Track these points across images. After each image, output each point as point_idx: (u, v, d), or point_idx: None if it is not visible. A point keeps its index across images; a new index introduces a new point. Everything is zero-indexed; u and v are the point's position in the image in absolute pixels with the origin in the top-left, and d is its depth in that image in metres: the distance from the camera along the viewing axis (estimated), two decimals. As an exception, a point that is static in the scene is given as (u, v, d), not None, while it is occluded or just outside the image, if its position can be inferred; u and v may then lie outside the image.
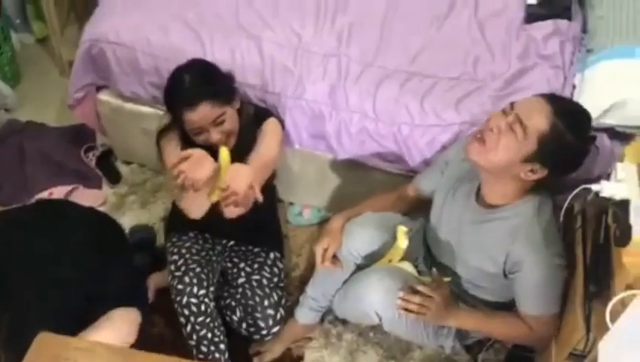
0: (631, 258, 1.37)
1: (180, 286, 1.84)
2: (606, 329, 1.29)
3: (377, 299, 1.73)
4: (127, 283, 1.81)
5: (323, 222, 2.33)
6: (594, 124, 1.80)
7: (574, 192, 1.58)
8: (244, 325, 1.95)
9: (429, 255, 1.91)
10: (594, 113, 1.77)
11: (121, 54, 2.12)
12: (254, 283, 1.94)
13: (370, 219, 1.84)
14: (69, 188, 2.40)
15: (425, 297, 1.64)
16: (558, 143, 1.50)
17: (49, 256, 1.69)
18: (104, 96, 2.29)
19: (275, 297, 1.93)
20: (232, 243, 2.08)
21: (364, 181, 2.17)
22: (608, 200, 1.49)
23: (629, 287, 1.34)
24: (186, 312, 1.83)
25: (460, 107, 1.96)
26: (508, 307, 1.76)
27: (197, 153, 1.66)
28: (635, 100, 1.74)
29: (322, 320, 2.07)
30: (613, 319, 1.27)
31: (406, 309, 1.66)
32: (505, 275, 1.67)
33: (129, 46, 2.11)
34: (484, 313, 1.77)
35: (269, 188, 2.02)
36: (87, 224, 1.85)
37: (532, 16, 2.15)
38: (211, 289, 1.88)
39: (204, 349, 1.86)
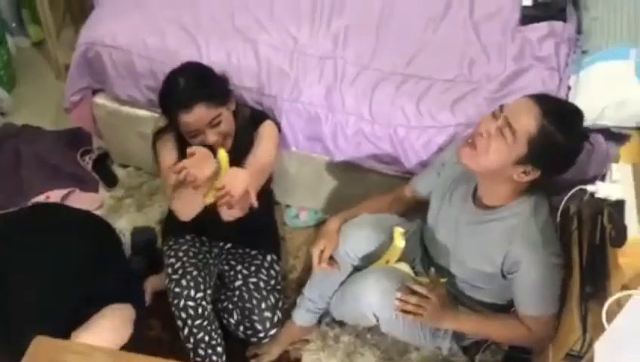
0: (627, 258, 1.37)
1: (177, 290, 1.84)
2: (602, 329, 1.29)
3: (374, 300, 1.73)
4: (122, 283, 1.82)
5: (320, 224, 2.34)
6: (589, 125, 1.81)
7: (570, 193, 1.59)
8: (241, 328, 1.95)
9: (426, 256, 1.91)
10: (589, 114, 1.78)
11: (117, 57, 2.12)
12: (251, 286, 1.94)
13: (366, 220, 1.84)
14: (65, 191, 2.40)
15: (422, 298, 1.64)
16: (547, 144, 1.51)
17: (45, 258, 1.70)
18: (100, 99, 2.29)
19: (272, 300, 1.93)
20: (228, 245, 2.08)
21: (360, 183, 2.17)
22: (604, 201, 1.50)
23: (624, 288, 1.35)
24: (183, 315, 1.83)
25: (455, 109, 1.96)
26: (505, 309, 1.76)
27: (201, 151, 1.67)
28: (630, 101, 1.74)
29: (319, 322, 2.07)
30: (610, 319, 1.27)
31: (404, 311, 1.66)
32: (503, 276, 1.68)
33: (125, 49, 2.11)
34: (481, 315, 1.77)
35: (265, 191, 2.02)
36: (81, 226, 1.86)
37: (527, 17, 2.15)
38: (208, 292, 1.88)
39: (201, 352, 1.86)
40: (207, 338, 1.85)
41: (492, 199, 1.67)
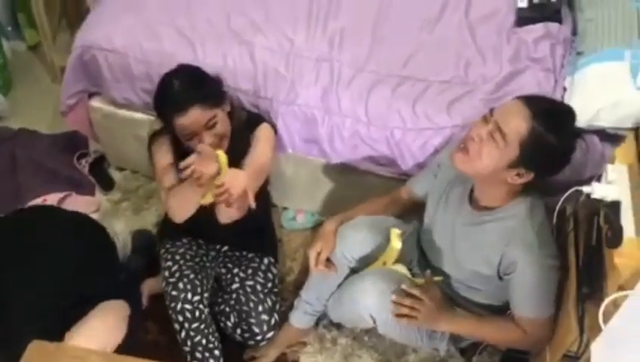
0: (623, 259, 1.37)
1: (174, 293, 1.83)
2: (599, 330, 1.29)
3: (371, 302, 1.73)
4: (116, 284, 1.82)
5: (317, 227, 2.34)
6: (585, 126, 1.81)
7: (566, 194, 1.59)
8: (238, 331, 1.95)
9: (423, 257, 1.92)
10: (585, 115, 1.79)
11: (113, 60, 2.12)
12: (248, 289, 1.94)
13: (363, 222, 1.84)
14: (61, 195, 2.40)
15: (416, 300, 1.64)
16: (539, 146, 1.50)
17: (39, 260, 1.70)
18: (96, 102, 2.29)
19: (270, 302, 1.93)
20: (225, 248, 2.08)
21: (357, 185, 2.17)
22: (600, 201, 1.50)
23: (621, 288, 1.35)
24: (181, 318, 1.83)
25: (451, 110, 1.96)
26: (502, 310, 1.76)
27: (207, 149, 1.67)
28: (624, 102, 1.75)
29: (317, 324, 2.07)
30: (606, 320, 1.27)
31: (398, 315, 1.66)
32: (500, 277, 1.68)
33: (121, 52, 2.11)
34: (477, 317, 1.77)
35: (262, 193, 2.02)
36: (74, 228, 1.86)
37: (523, 19, 2.16)
38: (205, 295, 1.88)
39: (198, 355, 1.85)
40: (204, 341, 1.85)
41: (488, 200, 1.67)
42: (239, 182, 1.67)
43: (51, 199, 2.37)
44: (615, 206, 1.45)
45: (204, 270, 1.94)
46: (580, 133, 1.65)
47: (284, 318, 2.01)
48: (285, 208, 2.42)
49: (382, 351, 2.07)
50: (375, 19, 2.20)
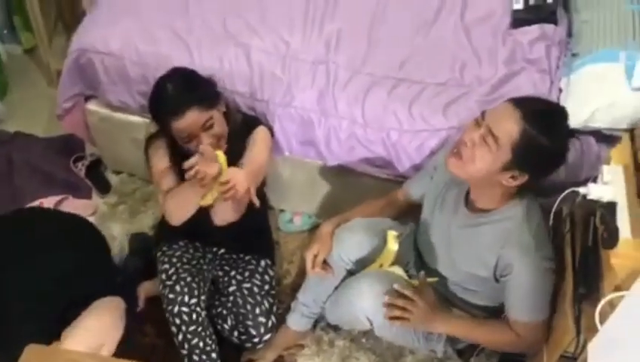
0: (619, 259, 1.38)
1: (171, 296, 1.83)
2: (595, 330, 1.30)
3: (368, 304, 1.73)
4: (111, 284, 1.83)
5: (314, 229, 2.34)
6: (580, 127, 1.82)
7: (562, 195, 1.59)
8: (235, 333, 1.94)
9: (419, 259, 1.92)
10: (580, 116, 1.79)
11: (109, 63, 2.12)
12: (245, 291, 1.94)
13: (359, 224, 1.84)
14: (58, 198, 2.39)
15: (408, 301, 1.64)
16: (531, 148, 1.50)
17: (33, 261, 1.71)
18: (93, 105, 2.29)
19: (267, 305, 1.93)
20: (222, 251, 2.08)
21: (353, 187, 2.17)
22: (596, 202, 1.50)
23: (617, 289, 1.36)
24: (178, 321, 1.82)
25: (447, 112, 1.97)
26: (498, 312, 1.76)
27: (209, 149, 1.68)
28: (620, 103, 1.75)
29: (314, 326, 2.07)
30: (603, 320, 1.28)
31: (392, 317, 1.66)
32: (496, 279, 1.68)
33: (117, 55, 2.11)
34: (471, 319, 1.77)
35: (259, 195, 2.02)
36: (73, 229, 1.87)
37: (518, 21, 2.16)
38: (202, 297, 1.87)
39: (195, 358, 1.85)
40: (201, 344, 1.85)
41: (484, 203, 1.67)
42: (241, 178, 1.68)
43: (48, 202, 2.36)
44: (611, 207, 1.45)
45: (201, 273, 1.94)
46: (573, 132, 1.64)
47: (281, 321, 2.01)
48: (282, 210, 2.42)
49: (379, 353, 2.07)
50: (371, 21, 2.20)
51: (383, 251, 1.80)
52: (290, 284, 2.23)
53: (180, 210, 1.79)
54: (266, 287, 1.97)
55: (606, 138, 1.86)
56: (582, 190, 1.51)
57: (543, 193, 1.70)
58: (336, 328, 2.09)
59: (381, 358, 2.06)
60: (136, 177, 2.50)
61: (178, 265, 1.91)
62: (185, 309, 1.82)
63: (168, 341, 1.90)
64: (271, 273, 2.03)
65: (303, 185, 2.28)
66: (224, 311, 1.95)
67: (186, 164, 1.64)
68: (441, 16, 2.23)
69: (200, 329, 1.84)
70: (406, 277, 1.83)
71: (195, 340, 1.84)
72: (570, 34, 2.10)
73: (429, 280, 1.75)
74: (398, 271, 1.83)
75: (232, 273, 2.00)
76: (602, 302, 1.32)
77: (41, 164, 2.54)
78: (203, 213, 1.83)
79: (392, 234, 1.77)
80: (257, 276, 1.98)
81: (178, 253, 1.95)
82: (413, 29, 2.19)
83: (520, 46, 2.09)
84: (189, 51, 2.08)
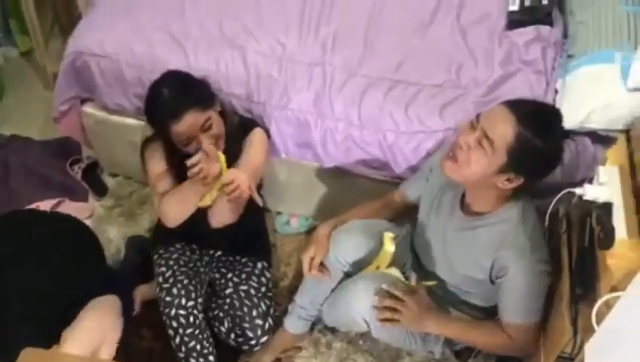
0: (615, 260, 1.38)
1: (168, 298, 1.83)
2: (592, 331, 1.30)
3: (365, 306, 1.73)
4: (106, 283, 1.83)
5: (311, 231, 2.34)
6: (576, 128, 1.82)
7: (558, 196, 1.59)
8: (232, 336, 1.94)
9: (416, 261, 1.92)
10: (576, 117, 1.80)
11: (105, 66, 2.12)
12: (242, 294, 1.93)
13: (356, 226, 1.84)
14: (54, 201, 2.39)
15: (397, 301, 1.64)
16: (526, 151, 1.50)
17: (40, 260, 1.71)
18: (89, 108, 2.29)
19: (264, 307, 1.93)
20: (219, 253, 2.07)
21: (350, 189, 2.17)
22: (592, 203, 1.50)
23: (613, 289, 1.35)
24: (175, 324, 1.82)
25: (444, 114, 1.97)
26: (494, 312, 1.76)
27: (212, 148, 1.69)
28: (615, 104, 1.75)
29: (312, 328, 2.07)
30: (599, 321, 1.28)
31: (382, 320, 1.66)
32: (492, 281, 1.68)
33: (113, 58, 2.11)
34: (464, 321, 1.77)
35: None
36: (71, 230, 1.87)
37: (514, 22, 2.16)
38: (199, 300, 1.87)
39: (193, 361, 1.85)
40: (198, 346, 1.84)
41: (479, 206, 1.67)
42: (244, 178, 1.69)
43: (44, 205, 2.36)
44: (607, 207, 1.45)
45: (197, 275, 1.94)
46: (568, 133, 1.64)
47: (278, 323, 2.01)
48: (279, 213, 2.42)
49: (377, 355, 2.07)
50: (367, 23, 2.21)
51: (380, 253, 1.80)
52: (287, 287, 2.22)
53: (177, 210, 1.79)
54: (263, 289, 1.97)
55: (602, 139, 1.86)
56: (578, 191, 1.51)
57: (539, 194, 1.70)
58: (333, 330, 2.09)
59: (378, 360, 2.06)
60: (132, 180, 2.50)
61: (175, 267, 1.90)
62: (182, 312, 1.82)
63: (165, 344, 1.90)
64: (268, 275, 2.03)
65: (300, 187, 2.27)
66: (221, 314, 1.95)
67: (190, 162, 1.64)
68: (437, 17, 2.23)
69: (197, 331, 1.84)
70: (403, 279, 1.83)
71: (193, 343, 1.83)
72: (565, 35, 2.10)
73: (428, 283, 1.75)
74: (394, 272, 1.83)
75: (229, 275, 2.00)
76: (599, 302, 1.31)
77: (38, 167, 2.54)
78: (200, 216, 1.83)
79: (388, 236, 1.77)
80: (254, 278, 1.98)
81: (175, 256, 1.95)
82: (409, 31, 2.19)
83: (516, 47, 2.09)
84: (185, 54, 2.08)
